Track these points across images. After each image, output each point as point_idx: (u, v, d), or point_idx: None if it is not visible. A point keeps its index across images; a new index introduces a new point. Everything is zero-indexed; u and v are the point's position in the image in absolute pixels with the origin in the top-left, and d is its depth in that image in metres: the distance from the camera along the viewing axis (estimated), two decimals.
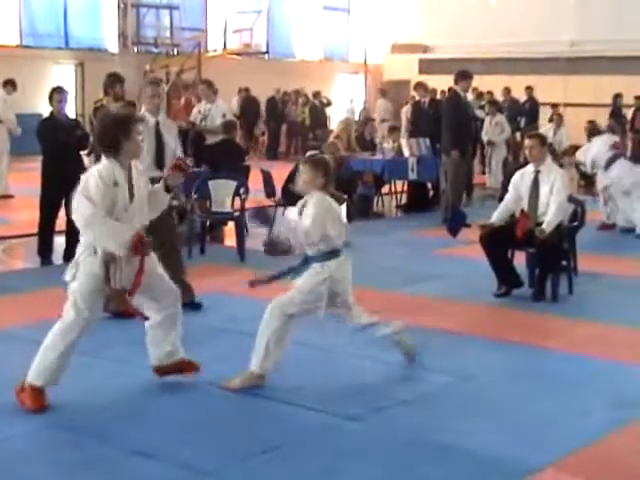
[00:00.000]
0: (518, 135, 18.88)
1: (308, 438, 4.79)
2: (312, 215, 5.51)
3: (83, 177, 5.22)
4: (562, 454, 4.62)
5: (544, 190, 7.91)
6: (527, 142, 8.16)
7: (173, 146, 7.32)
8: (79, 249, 5.26)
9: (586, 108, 22.67)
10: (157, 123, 7.32)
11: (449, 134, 12.20)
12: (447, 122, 12.20)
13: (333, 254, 5.61)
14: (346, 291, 5.72)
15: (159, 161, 7.16)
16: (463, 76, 12.20)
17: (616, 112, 20.37)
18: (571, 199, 8.44)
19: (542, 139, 8.26)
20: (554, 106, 19.92)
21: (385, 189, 14.10)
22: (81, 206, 5.10)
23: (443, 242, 9.87)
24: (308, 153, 11.56)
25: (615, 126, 13.43)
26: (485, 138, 16.39)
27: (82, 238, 5.22)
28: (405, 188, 14.12)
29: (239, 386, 5.50)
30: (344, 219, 5.82)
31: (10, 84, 15.14)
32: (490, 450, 4.65)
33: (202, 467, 4.41)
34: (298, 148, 23.77)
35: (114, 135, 5.23)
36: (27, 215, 10.55)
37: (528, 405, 5.37)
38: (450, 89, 12.92)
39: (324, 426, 4.96)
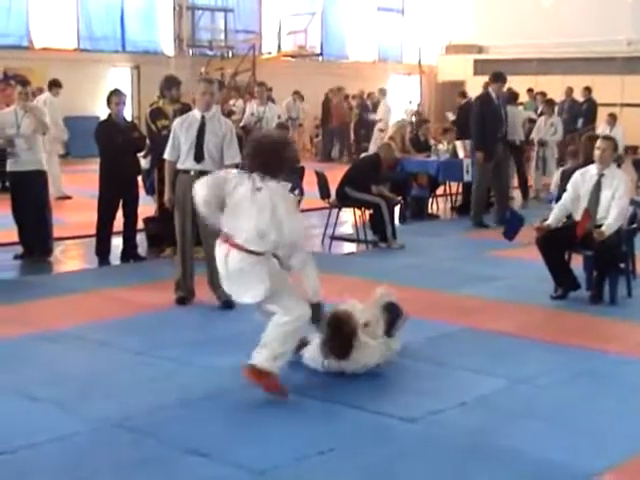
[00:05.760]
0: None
1: (364, 440, 4.78)
2: None
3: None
4: (621, 459, 4.55)
5: (605, 194, 7.77)
6: (600, 143, 7.93)
7: (215, 143, 7.44)
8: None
9: None
10: (202, 117, 7.47)
11: (473, 135, 12.08)
12: (471, 123, 12.08)
13: None
14: None
15: (198, 155, 7.43)
16: (495, 78, 11.97)
17: None
18: (631, 201, 8.30)
19: (615, 143, 8.07)
20: None
21: (440, 190, 14.04)
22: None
23: (498, 244, 9.79)
24: (362, 155, 11.67)
25: None
26: (536, 138, 16.18)
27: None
28: (460, 190, 14.05)
29: None
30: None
31: (55, 85, 14.44)
32: (547, 454, 4.59)
33: (256, 467, 4.41)
34: (351, 150, 23.73)
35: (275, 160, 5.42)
36: (84, 217, 10.67)
37: (586, 409, 5.30)
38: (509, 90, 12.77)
39: (380, 428, 4.94)
